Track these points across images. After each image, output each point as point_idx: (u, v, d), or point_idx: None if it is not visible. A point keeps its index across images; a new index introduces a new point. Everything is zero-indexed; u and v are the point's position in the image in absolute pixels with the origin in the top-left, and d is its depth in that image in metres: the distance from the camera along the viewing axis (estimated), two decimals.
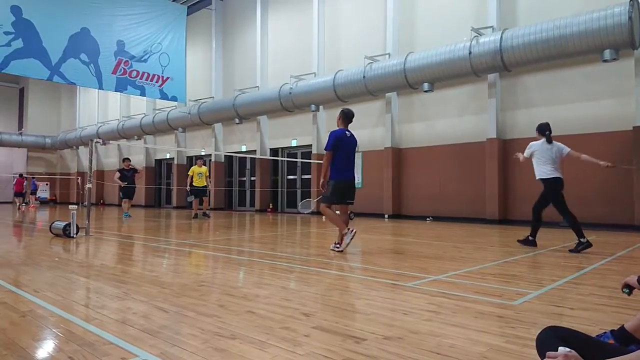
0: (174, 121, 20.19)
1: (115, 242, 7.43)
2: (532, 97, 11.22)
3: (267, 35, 18.00)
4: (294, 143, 17.01)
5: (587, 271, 4.46)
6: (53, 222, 7.81)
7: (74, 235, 7.32)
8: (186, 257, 5.84)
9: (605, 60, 9.37)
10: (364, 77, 12.92)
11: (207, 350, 2.17)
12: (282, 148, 17.76)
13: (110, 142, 17.09)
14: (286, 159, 16.83)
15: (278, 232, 9.26)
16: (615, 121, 9.88)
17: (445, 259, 5.30)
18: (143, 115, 22.60)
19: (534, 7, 11.18)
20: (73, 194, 28.88)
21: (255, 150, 18.03)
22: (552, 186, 6.24)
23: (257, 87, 17.49)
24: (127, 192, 13.61)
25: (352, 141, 6.09)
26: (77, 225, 7.42)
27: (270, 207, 17.54)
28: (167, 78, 15.38)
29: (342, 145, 5.92)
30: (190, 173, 13.23)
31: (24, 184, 21.25)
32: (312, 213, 13.96)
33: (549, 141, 6.32)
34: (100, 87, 14.30)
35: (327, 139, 6.00)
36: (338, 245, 5.87)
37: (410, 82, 12.15)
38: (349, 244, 5.80)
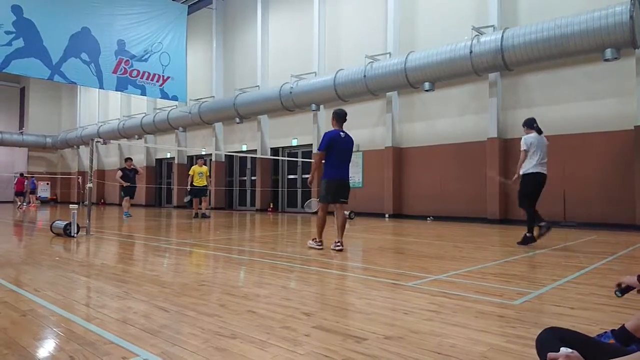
0: (174, 120, 20.19)
1: (115, 241, 7.44)
2: (533, 97, 11.21)
3: (268, 35, 17.99)
4: (294, 142, 17.01)
5: (588, 271, 4.46)
6: (54, 222, 7.82)
7: (75, 235, 7.32)
8: (187, 256, 5.84)
9: (606, 60, 9.35)
10: (364, 76, 12.91)
11: (207, 349, 2.18)
12: (282, 147, 17.76)
13: (111, 141, 17.13)
14: (287, 158, 16.83)
15: (278, 232, 9.26)
16: (617, 120, 9.87)
17: (446, 259, 5.30)
18: (144, 114, 22.61)
19: (534, 6, 11.17)
20: (74, 194, 28.90)
21: (255, 150, 18.03)
22: (538, 180, 6.44)
23: (258, 86, 17.49)
24: (129, 191, 13.62)
25: (347, 141, 6.16)
26: (77, 225, 7.42)
27: (271, 206, 17.55)
28: (168, 77, 15.39)
29: (335, 145, 6.03)
30: (190, 172, 13.21)
31: (25, 183, 21.28)
32: (316, 213, 13.97)
33: (540, 132, 6.55)
34: (101, 87, 14.32)
35: (321, 138, 6.12)
36: (312, 242, 6.16)
37: (411, 81, 12.15)
38: (314, 248, 6.04)
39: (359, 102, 14.48)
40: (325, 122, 15.84)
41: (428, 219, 12.73)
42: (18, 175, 22.12)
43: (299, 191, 17.18)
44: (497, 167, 11.31)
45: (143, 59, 14.75)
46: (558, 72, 10.77)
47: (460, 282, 3.89)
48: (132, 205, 14.04)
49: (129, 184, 13.35)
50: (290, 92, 15.01)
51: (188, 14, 16.77)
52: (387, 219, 13.07)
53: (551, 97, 10.88)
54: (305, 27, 16.39)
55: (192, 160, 20.88)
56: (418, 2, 13.42)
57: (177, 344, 2.26)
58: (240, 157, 19.15)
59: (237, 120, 17.53)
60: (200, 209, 13.42)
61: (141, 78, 14.71)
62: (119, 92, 19.08)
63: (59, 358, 2.08)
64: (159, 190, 24.17)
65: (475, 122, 12.14)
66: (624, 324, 1.83)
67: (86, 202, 8.41)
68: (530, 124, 6.65)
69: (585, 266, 4.72)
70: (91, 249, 6.26)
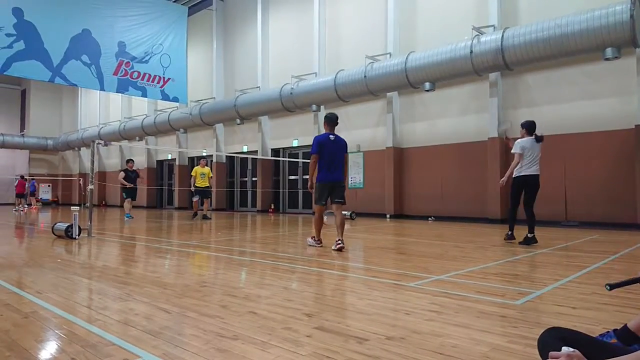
0: (175, 122, 20.21)
1: (117, 243, 7.45)
2: (533, 96, 11.20)
3: (268, 36, 18.00)
4: (295, 143, 17.01)
5: (590, 270, 4.45)
6: (55, 224, 7.83)
7: (76, 237, 7.33)
8: (188, 258, 5.84)
9: (607, 59, 9.34)
10: (365, 76, 12.91)
11: (209, 350, 2.18)
12: (283, 148, 17.76)
13: (112, 143, 17.10)
14: (287, 159, 16.83)
15: (279, 233, 9.27)
16: (617, 119, 9.86)
17: (447, 259, 5.30)
18: (144, 116, 22.62)
19: (535, 5, 11.16)
20: (75, 196, 28.94)
21: (256, 151, 18.04)
22: (535, 182, 6.62)
23: (258, 87, 17.50)
24: (130, 193, 13.64)
25: (337, 143, 6.37)
26: (79, 227, 7.43)
27: (272, 207, 17.55)
28: (168, 79, 15.40)
29: (324, 148, 6.24)
30: (193, 174, 13.20)
31: (26, 185, 21.30)
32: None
33: (539, 140, 6.63)
34: (102, 89, 14.33)
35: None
36: (312, 240, 6.47)
37: (411, 81, 12.15)
38: (313, 246, 6.31)
39: (360, 103, 14.48)
40: None
41: (429, 219, 12.72)
42: (18, 177, 22.15)
43: (300, 192, 17.18)
44: (497, 167, 11.31)
45: (144, 60, 14.77)
46: (558, 72, 10.76)
47: (461, 282, 3.88)
48: (133, 207, 14.05)
49: (132, 185, 13.37)
50: (291, 93, 15.01)
51: (188, 16, 16.79)
52: (388, 220, 13.06)
53: (552, 97, 10.87)
54: (306, 27, 16.40)
55: (193, 161, 20.90)
56: (418, 2, 13.42)
57: (178, 345, 2.27)
58: (241, 158, 19.16)
59: (238, 121, 17.54)
60: (201, 210, 13.41)
61: (142, 80, 14.72)
62: (120, 94, 19.11)
63: None
64: (160, 191, 24.18)
65: (475, 122, 12.14)
66: (626, 324, 1.83)
67: (87, 204, 8.42)
68: (531, 130, 6.69)
69: (587, 266, 4.72)
70: (93, 251, 6.27)
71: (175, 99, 15.94)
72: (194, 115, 18.87)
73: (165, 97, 15.55)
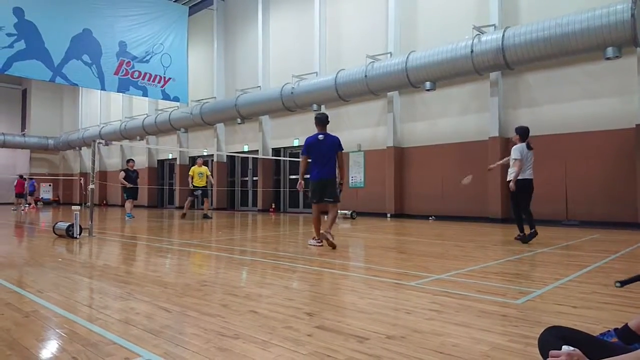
0: (176, 122, 20.22)
1: (118, 242, 7.45)
2: (534, 95, 11.19)
3: (269, 35, 18.00)
4: (296, 143, 17.00)
5: (590, 269, 4.45)
6: (56, 223, 7.84)
7: (77, 236, 7.34)
8: (189, 257, 5.85)
9: (607, 58, 9.32)
10: (365, 76, 12.91)
11: (210, 350, 2.18)
12: (284, 148, 17.76)
13: (113, 142, 17.15)
14: (288, 158, 16.83)
15: (280, 232, 9.27)
16: (618, 119, 9.85)
17: (448, 258, 5.30)
18: (145, 115, 22.63)
19: (535, 4, 11.15)
20: (76, 195, 28.95)
21: (257, 150, 18.04)
22: (531, 185, 6.87)
23: (259, 87, 17.50)
24: (131, 193, 13.65)
25: (326, 142, 6.51)
26: (80, 226, 7.44)
27: (273, 207, 17.55)
28: (169, 79, 15.40)
29: (312, 148, 6.46)
30: (190, 173, 13.17)
31: (25, 185, 21.30)
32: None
33: (530, 147, 6.90)
34: (103, 88, 14.33)
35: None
36: (313, 241, 6.48)
37: (412, 81, 12.14)
38: (314, 246, 6.32)
39: (360, 102, 14.47)
40: None
41: (430, 218, 12.72)
42: (18, 177, 22.15)
43: (301, 192, 17.15)
44: (498, 166, 11.29)
45: (144, 60, 14.77)
46: (559, 71, 10.75)
47: (462, 281, 3.88)
48: (134, 206, 14.05)
49: (132, 185, 13.37)
50: (292, 93, 15.01)
51: (189, 15, 16.78)
52: (388, 219, 13.06)
53: (552, 96, 10.86)
54: (306, 27, 16.39)
55: (194, 161, 20.89)
56: (419, 2, 13.41)
57: (179, 344, 2.27)
58: (242, 158, 19.16)
59: (239, 120, 17.55)
60: (202, 209, 13.40)
61: (142, 79, 14.72)
62: (121, 94, 19.11)
63: (62, 359, 2.09)
64: (161, 191, 24.20)
65: (476, 122, 12.13)
66: (627, 323, 1.83)
67: (88, 204, 8.43)
68: (524, 136, 6.93)
69: (588, 265, 4.71)
70: (94, 250, 6.28)
71: (176, 99, 15.93)
72: (194, 114, 18.87)
73: (166, 97, 15.55)
